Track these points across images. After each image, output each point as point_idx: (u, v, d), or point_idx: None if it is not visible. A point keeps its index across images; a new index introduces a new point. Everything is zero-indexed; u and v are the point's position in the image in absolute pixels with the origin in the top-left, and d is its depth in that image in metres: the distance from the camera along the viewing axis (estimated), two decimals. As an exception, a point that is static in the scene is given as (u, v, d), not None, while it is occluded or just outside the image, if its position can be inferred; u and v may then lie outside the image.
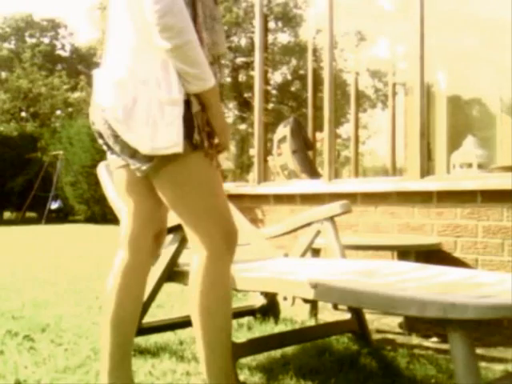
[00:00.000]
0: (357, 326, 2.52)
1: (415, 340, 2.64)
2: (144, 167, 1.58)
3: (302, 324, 2.86)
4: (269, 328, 2.77)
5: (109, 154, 1.77)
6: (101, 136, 1.70)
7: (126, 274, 1.76)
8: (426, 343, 2.58)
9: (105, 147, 1.75)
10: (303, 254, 2.69)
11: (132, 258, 1.75)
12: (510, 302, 1.47)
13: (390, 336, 2.72)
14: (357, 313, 2.48)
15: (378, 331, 2.81)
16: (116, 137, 1.59)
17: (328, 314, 3.00)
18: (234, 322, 2.93)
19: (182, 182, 1.61)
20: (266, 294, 2.89)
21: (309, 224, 2.67)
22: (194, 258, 1.66)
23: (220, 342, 1.66)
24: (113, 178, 2.60)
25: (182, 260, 2.29)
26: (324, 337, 2.56)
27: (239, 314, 2.92)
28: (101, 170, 2.65)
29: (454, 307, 1.45)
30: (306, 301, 2.80)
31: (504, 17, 4.54)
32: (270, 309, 2.97)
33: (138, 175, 1.62)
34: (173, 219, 2.19)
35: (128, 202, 1.77)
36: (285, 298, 3.01)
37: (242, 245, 2.73)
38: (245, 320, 2.94)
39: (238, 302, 3.18)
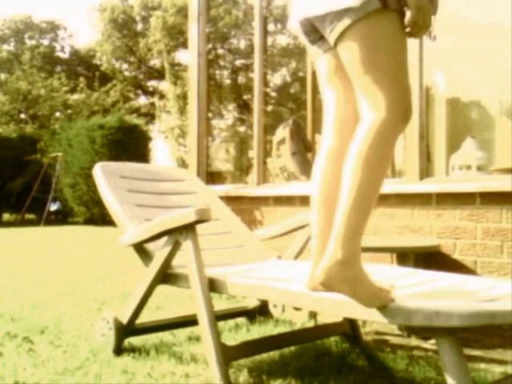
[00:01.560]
0: (349, 328, 2.53)
1: (414, 342, 2.64)
2: (340, 24, 1.64)
3: (302, 326, 2.86)
4: (268, 330, 2.78)
5: (311, 47, 1.85)
6: (306, 33, 1.80)
7: (335, 159, 1.78)
8: (425, 345, 2.58)
9: (308, 42, 1.83)
10: (296, 257, 2.70)
11: (339, 142, 1.79)
12: (496, 309, 1.48)
13: (389, 338, 2.73)
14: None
15: (377, 333, 2.81)
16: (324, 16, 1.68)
17: (327, 316, 3.00)
18: (232, 323, 2.93)
19: (374, 40, 1.64)
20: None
21: (303, 226, 2.68)
22: (369, 116, 1.64)
23: (368, 200, 1.62)
24: (108, 179, 2.62)
25: (175, 262, 2.29)
26: (316, 339, 2.57)
27: (232, 314, 2.94)
28: (97, 172, 2.65)
29: (439, 315, 1.47)
30: (296, 308, 2.81)
31: (504, 20, 4.55)
32: (262, 311, 2.98)
33: (334, 37, 1.67)
34: (169, 222, 2.20)
35: (335, 87, 1.84)
36: (275, 306, 3.03)
37: (235, 247, 2.74)
38: (244, 321, 2.94)
39: (237, 303, 3.18)
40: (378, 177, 1.64)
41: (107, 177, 2.62)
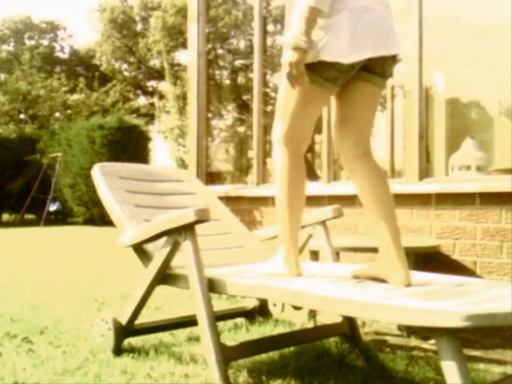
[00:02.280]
0: (348, 329, 2.53)
1: (414, 342, 2.64)
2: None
3: (302, 326, 2.86)
4: (267, 330, 2.77)
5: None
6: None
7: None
8: (425, 345, 2.58)
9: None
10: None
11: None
12: (496, 310, 1.48)
13: (389, 338, 2.73)
14: (348, 317, 2.49)
15: (377, 333, 2.81)
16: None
17: (327, 316, 3.00)
18: (231, 323, 2.94)
19: None
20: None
21: (303, 226, 2.68)
22: None
23: (283, 218, 2.12)
24: (107, 180, 2.62)
25: (174, 263, 2.29)
26: (315, 340, 2.57)
27: (231, 315, 2.94)
28: (95, 172, 2.65)
29: (440, 315, 1.47)
30: (295, 307, 2.81)
31: (503, 20, 4.55)
32: (262, 311, 2.98)
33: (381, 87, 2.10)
34: (168, 222, 2.20)
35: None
36: (274, 304, 3.03)
37: (234, 247, 2.74)
38: (243, 321, 2.94)
39: (237, 303, 3.18)
40: (284, 202, 2.10)
41: (106, 177, 2.62)
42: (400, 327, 2.84)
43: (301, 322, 2.92)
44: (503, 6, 3.92)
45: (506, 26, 4.54)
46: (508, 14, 3.98)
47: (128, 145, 12.78)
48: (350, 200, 3.41)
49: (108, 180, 2.62)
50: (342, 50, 1.91)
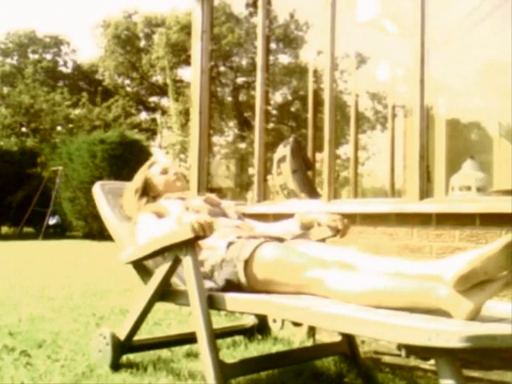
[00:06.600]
0: (347, 348, 2.52)
1: (413, 362, 2.63)
2: None
3: (301, 344, 2.85)
4: (266, 348, 2.76)
5: None
6: None
7: None
8: (424, 365, 2.57)
9: None
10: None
11: None
12: (496, 332, 1.47)
13: (388, 358, 2.71)
14: (347, 335, 2.48)
15: (376, 352, 2.80)
16: None
17: (326, 335, 2.99)
18: (230, 340, 2.92)
19: None
20: (257, 314, 2.90)
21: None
22: None
23: None
24: (108, 198, 2.63)
25: (174, 280, 2.29)
26: (314, 359, 2.56)
27: (230, 332, 2.93)
28: (96, 190, 2.67)
29: (439, 335, 1.46)
30: (295, 324, 2.80)
31: (505, 41, 4.60)
32: (261, 329, 2.97)
33: None
34: (169, 238, 2.20)
35: None
36: (274, 321, 3.02)
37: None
38: (242, 338, 2.93)
39: (236, 320, 3.17)
40: None
41: (107, 195, 2.64)
42: (399, 346, 2.82)
43: (300, 340, 2.91)
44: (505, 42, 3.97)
45: (507, 47, 4.59)
46: (509, 36, 4.03)
47: (129, 159, 12.79)
48: (351, 218, 3.41)
49: (109, 198, 2.64)
50: None
